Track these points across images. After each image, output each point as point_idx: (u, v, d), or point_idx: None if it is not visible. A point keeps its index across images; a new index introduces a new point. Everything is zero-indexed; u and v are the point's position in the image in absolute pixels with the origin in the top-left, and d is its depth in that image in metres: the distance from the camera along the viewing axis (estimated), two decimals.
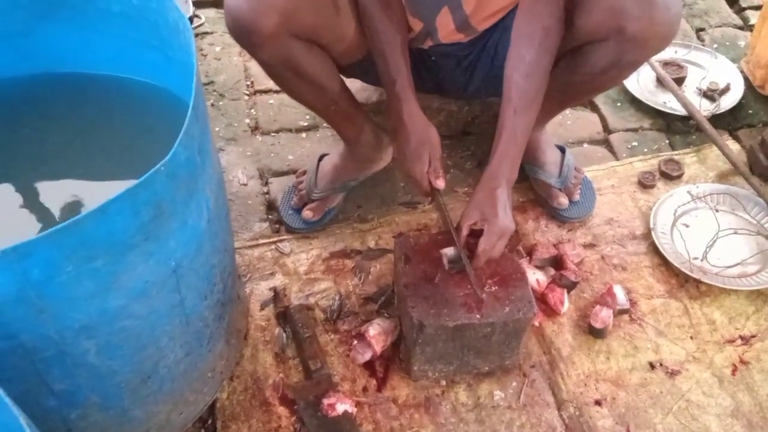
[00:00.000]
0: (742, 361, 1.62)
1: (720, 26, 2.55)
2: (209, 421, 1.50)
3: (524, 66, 1.47)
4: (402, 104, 1.54)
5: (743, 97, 2.23)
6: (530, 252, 1.77)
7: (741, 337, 1.66)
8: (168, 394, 1.35)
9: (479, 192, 1.49)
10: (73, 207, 1.31)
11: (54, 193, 1.35)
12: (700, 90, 2.24)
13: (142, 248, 1.05)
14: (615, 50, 1.48)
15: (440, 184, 1.55)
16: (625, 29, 1.43)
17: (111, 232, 0.99)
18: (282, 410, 1.50)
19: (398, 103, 1.54)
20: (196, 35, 2.40)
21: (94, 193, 1.33)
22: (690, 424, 1.52)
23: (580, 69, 1.57)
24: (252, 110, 2.18)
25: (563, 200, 1.85)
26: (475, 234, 1.48)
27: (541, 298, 1.68)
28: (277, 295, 1.69)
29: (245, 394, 1.52)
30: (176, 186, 1.07)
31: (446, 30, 1.63)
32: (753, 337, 1.66)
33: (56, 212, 1.31)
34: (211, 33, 2.42)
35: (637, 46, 1.48)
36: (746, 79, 2.28)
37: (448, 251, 1.49)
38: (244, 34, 1.47)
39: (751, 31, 2.33)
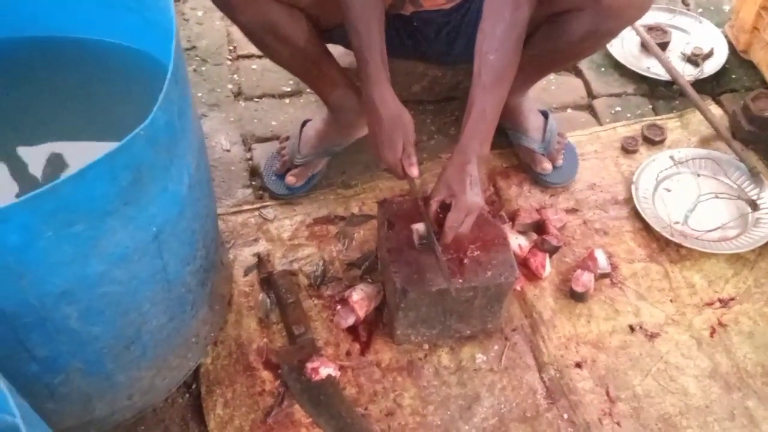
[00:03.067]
0: (720, 324, 1.64)
1: None
2: (193, 386, 1.51)
3: (494, 41, 1.43)
4: (374, 87, 1.48)
5: (727, 62, 2.23)
6: (513, 217, 1.77)
7: (720, 300, 1.68)
8: (151, 359, 1.35)
9: (448, 168, 1.46)
10: (52, 172, 1.30)
11: (33, 158, 1.33)
12: (684, 55, 2.24)
13: (121, 213, 1.05)
14: (592, 20, 1.48)
15: (414, 172, 1.50)
16: None
17: (90, 197, 0.98)
18: (266, 375, 1.52)
19: (370, 85, 1.49)
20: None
21: (74, 158, 1.32)
22: (668, 385, 1.54)
23: (557, 38, 1.56)
24: (235, 75, 2.16)
25: (546, 165, 1.85)
26: (448, 210, 1.47)
27: (523, 263, 1.69)
28: (261, 261, 1.69)
29: (229, 359, 1.53)
30: (156, 150, 1.06)
31: None
32: (732, 299, 1.68)
33: (35, 177, 1.30)
34: None
35: (613, 16, 1.47)
36: (730, 44, 2.27)
37: (419, 227, 1.49)
38: None
39: None
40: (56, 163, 1.32)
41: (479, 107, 1.45)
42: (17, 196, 1.25)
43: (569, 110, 2.13)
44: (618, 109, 2.13)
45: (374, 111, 1.50)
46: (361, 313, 1.57)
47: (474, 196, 1.43)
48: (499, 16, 1.44)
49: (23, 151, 1.35)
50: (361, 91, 1.52)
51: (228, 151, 1.95)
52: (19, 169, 1.32)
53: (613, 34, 1.58)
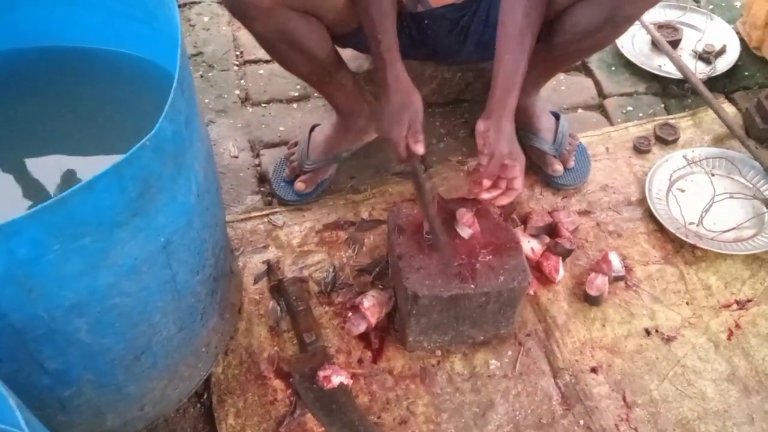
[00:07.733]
0: (737, 326, 1.62)
1: None
2: (205, 396, 1.50)
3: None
4: (387, 65, 1.51)
5: (739, 59, 2.20)
6: (525, 220, 1.75)
7: (737, 302, 1.66)
8: (162, 369, 1.34)
9: (482, 124, 1.52)
10: (59, 183, 1.29)
11: (40, 169, 1.33)
12: (695, 52, 2.22)
13: (130, 225, 1.04)
14: (609, 6, 1.46)
15: (419, 148, 1.51)
16: None
17: (98, 209, 0.97)
18: (277, 383, 1.50)
19: (383, 64, 1.52)
20: (184, 5, 2.37)
21: (81, 169, 1.31)
22: (686, 389, 1.52)
23: (575, 27, 1.54)
24: (242, 81, 2.15)
25: (558, 167, 1.83)
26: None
27: (536, 267, 1.67)
28: (271, 268, 1.68)
29: (240, 368, 1.52)
30: (163, 161, 1.05)
31: None
32: (749, 301, 1.66)
33: (42, 189, 1.29)
34: (199, 2, 2.39)
35: (630, 1, 1.46)
36: (742, 41, 2.25)
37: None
38: (240, 7, 1.44)
39: None
40: (64, 174, 1.31)
41: (510, 60, 1.49)
42: (26, 208, 1.24)
43: (580, 110, 2.12)
44: (629, 108, 2.11)
45: (385, 88, 1.52)
46: (373, 320, 1.55)
47: (509, 147, 1.51)
48: None
49: (31, 162, 1.34)
50: (374, 74, 1.56)
51: (236, 157, 1.94)
52: (26, 181, 1.31)
53: (630, 20, 1.55)
